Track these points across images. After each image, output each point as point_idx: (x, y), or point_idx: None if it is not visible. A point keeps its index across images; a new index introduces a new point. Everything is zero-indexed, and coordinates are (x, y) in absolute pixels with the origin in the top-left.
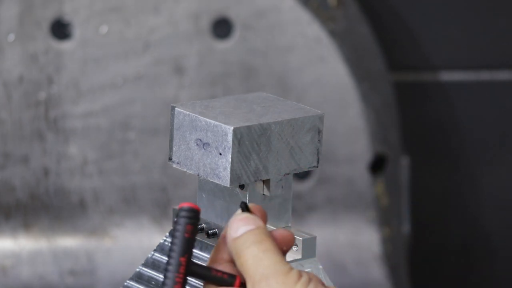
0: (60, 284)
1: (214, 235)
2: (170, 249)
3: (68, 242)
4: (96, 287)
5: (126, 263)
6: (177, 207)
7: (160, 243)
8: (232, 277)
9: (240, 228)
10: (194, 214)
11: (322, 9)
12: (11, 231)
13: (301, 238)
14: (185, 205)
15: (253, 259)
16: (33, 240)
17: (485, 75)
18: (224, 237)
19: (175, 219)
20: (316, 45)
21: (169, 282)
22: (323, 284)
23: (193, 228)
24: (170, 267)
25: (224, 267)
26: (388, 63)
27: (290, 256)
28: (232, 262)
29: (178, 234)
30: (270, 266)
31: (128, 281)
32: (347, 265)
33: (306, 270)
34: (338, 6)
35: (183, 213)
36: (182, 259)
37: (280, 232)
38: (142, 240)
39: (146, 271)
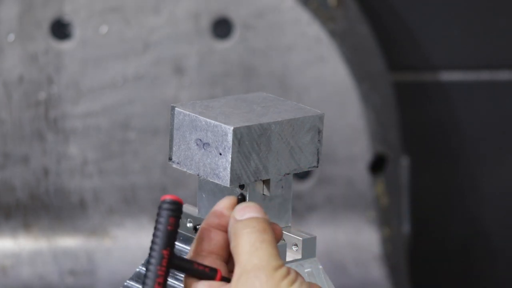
0: (60, 284)
1: None
2: (153, 242)
3: (68, 242)
4: (96, 287)
5: (126, 263)
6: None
7: None
8: (214, 270)
9: (247, 214)
10: (176, 207)
11: (322, 9)
12: (11, 231)
13: (301, 238)
14: (168, 197)
15: (250, 247)
16: (33, 240)
17: (485, 75)
18: (206, 229)
19: (158, 212)
20: (316, 45)
21: (151, 274)
22: (306, 283)
23: (175, 221)
24: (153, 260)
25: (206, 259)
26: (388, 63)
27: (290, 256)
28: (215, 254)
29: (160, 226)
30: (263, 258)
31: (128, 281)
32: (347, 265)
33: (306, 270)
34: (338, 6)
35: (165, 206)
36: (165, 252)
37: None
38: (142, 240)
39: None
